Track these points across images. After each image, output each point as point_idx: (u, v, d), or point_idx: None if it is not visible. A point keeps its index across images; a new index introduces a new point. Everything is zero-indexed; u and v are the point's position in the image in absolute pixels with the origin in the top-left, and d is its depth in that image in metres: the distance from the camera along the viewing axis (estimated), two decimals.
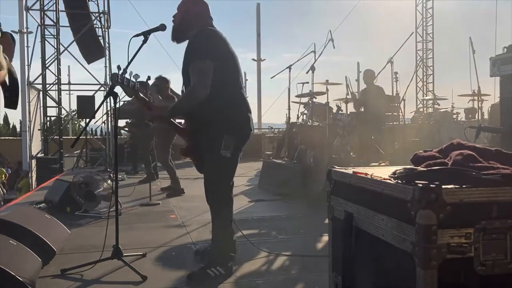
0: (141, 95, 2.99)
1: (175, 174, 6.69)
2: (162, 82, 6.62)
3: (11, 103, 1.36)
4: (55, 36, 12.10)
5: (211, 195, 2.99)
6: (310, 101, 7.39)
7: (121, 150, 11.83)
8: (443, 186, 1.38)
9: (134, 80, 2.90)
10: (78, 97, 11.53)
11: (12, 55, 1.28)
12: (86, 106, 10.87)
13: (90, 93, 12.36)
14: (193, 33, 2.99)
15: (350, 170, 1.93)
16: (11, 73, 1.26)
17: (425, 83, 16.80)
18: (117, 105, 3.17)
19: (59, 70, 12.22)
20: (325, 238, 3.69)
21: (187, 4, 3.09)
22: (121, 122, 9.43)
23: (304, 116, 7.66)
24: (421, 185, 1.40)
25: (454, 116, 8.67)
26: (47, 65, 12.11)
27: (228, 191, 3.03)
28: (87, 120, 10.78)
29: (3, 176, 14.65)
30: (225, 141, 2.86)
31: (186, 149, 3.14)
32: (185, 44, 3.05)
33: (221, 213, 3.00)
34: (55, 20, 12.08)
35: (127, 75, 2.88)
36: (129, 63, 3.02)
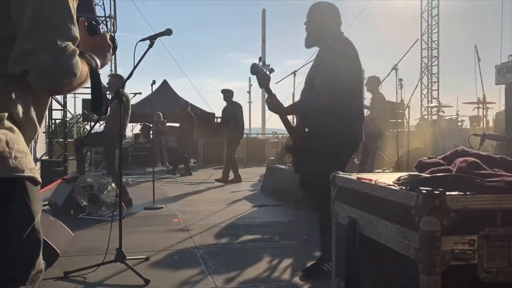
0: None
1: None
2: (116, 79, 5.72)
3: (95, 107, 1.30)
4: None
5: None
6: None
7: (126, 154, 11.85)
8: (447, 193, 1.38)
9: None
10: (84, 100, 11.57)
11: None
12: None
13: None
14: None
15: (354, 176, 1.93)
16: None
17: (429, 90, 16.75)
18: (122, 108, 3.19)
19: None
20: None
21: None
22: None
23: None
24: (425, 191, 1.40)
25: (459, 124, 8.63)
26: None
27: None
28: (92, 123, 10.82)
29: None
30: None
31: (291, 147, 3.32)
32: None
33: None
34: None
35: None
36: (134, 67, 3.04)
